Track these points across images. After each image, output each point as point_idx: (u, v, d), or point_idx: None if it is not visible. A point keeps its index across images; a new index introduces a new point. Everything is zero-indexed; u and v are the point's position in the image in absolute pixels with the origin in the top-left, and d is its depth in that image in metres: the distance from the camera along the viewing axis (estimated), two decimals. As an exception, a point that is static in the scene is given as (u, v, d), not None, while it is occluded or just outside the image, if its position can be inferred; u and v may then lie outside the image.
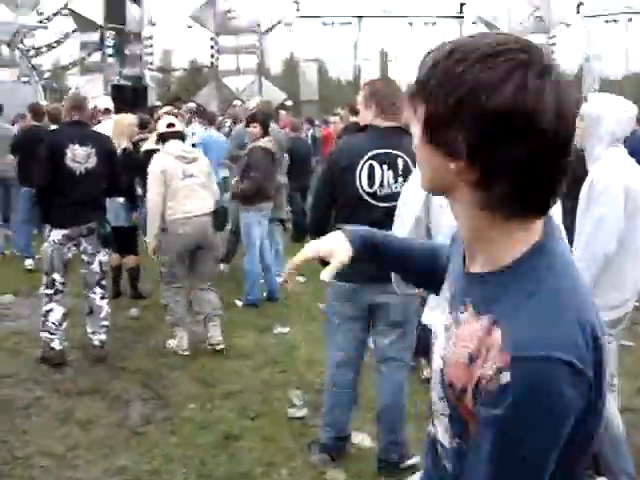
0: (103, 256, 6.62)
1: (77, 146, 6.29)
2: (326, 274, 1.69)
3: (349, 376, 4.58)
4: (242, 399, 5.71)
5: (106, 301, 6.66)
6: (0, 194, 11.31)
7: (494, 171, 1.20)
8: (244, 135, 9.02)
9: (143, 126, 9.52)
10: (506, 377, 1.15)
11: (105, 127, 10.47)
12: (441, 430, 1.45)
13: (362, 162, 4.20)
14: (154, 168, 6.60)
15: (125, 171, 7.61)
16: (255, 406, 5.58)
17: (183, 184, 6.57)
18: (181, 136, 6.97)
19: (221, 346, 6.80)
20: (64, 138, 6.35)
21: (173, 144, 6.71)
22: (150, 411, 5.53)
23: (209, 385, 6.00)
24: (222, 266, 9.64)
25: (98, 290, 6.57)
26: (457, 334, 1.35)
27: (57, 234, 6.30)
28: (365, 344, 4.60)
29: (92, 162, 6.34)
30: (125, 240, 8.33)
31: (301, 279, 7.20)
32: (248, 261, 8.30)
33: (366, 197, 4.20)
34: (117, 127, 8.49)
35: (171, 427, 5.24)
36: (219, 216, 7.16)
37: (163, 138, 6.83)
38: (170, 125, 6.88)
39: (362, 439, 4.95)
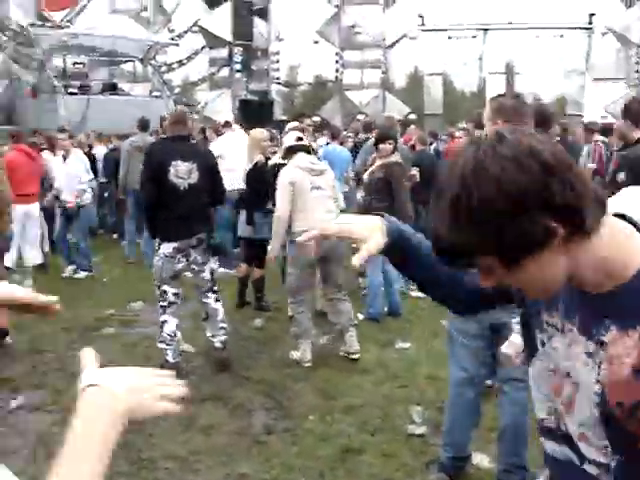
0: (214, 264, 6.72)
1: (180, 162, 6.36)
2: (357, 260, 1.63)
3: (470, 395, 4.49)
4: (362, 413, 5.69)
5: (220, 303, 6.76)
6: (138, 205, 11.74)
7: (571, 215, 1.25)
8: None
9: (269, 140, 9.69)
10: None
11: (226, 140, 10.77)
12: (590, 449, 1.44)
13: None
14: (283, 180, 6.66)
15: (256, 185, 7.72)
16: (375, 421, 5.55)
17: (312, 196, 6.61)
18: (308, 149, 7.01)
19: (357, 355, 6.88)
20: (167, 155, 6.42)
21: (301, 157, 6.76)
22: (272, 421, 5.59)
23: (330, 398, 6.01)
24: (361, 280, 9.46)
25: (211, 295, 6.67)
26: (609, 355, 1.34)
27: (167, 247, 6.40)
28: (488, 363, 4.50)
29: (194, 177, 6.40)
30: (253, 251, 8.50)
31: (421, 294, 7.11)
32: (371, 273, 8.27)
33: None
34: (251, 141, 8.65)
35: (292, 438, 5.28)
36: None
37: (291, 151, 6.89)
38: (298, 139, 6.95)
39: (482, 460, 4.84)
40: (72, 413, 1.10)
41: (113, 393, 1.13)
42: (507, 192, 1.20)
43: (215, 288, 6.75)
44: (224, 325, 6.75)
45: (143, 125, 11.64)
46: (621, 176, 5.13)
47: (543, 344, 1.50)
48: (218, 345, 6.71)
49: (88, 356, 1.22)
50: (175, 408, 1.21)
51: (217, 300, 6.74)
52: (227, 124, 11.34)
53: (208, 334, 6.77)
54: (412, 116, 31.44)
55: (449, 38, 33.32)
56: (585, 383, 1.41)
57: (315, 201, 6.62)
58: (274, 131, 10.93)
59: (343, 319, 6.91)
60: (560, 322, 1.45)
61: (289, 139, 7.03)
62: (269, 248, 6.92)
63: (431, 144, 14.41)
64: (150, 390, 1.19)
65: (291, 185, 6.60)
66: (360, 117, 24.34)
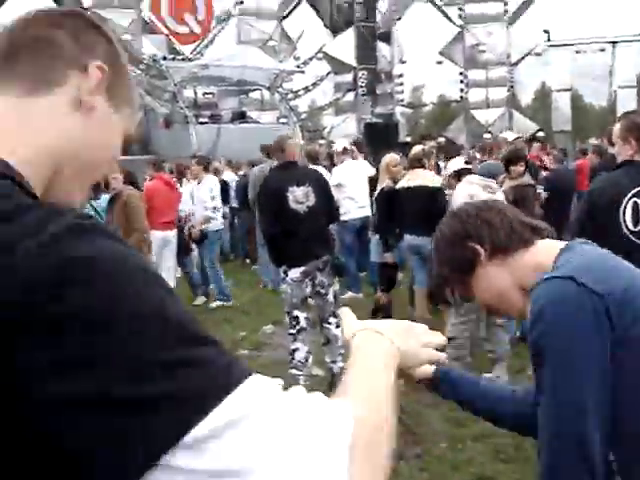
0: (335, 286, 6.76)
1: (295, 187, 6.42)
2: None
3: None
4: (494, 441, 5.58)
5: (340, 329, 6.75)
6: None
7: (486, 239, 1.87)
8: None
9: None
10: None
11: (346, 167, 10.77)
12: None
13: (625, 200, 4.00)
14: (461, 193, 6.44)
15: (387, 209, 7.71)
16: (508, 449, 5.43)
17: None
18: (472, 173, 6.89)
19: None
20: (282, 182, 6.50)
21: (472, 177, 6.64)
22: (402, 447, 5.57)
23: (461, 425, 5.93)
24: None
25: (333, 320, 6.66)
26: None
27: (294, 272, 6.43)
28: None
29: (312, 200, 6.44)
30: (384, 277, 8.54)
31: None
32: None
33: (631, 237, 4.00)
34: (383, 166, 8.67)
35: (422, 464, 5.24)
36: None
37: (458, 175, 6.77)
38: (466, 163, 6.87)
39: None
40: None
41: (385, 335, 1.09)
42: (444, 233, 1.90)
43: (337, 312, 6.79)
44: (343, 351, 6.76)
45: (268, 152, 11.89)
46: None
47: None
48: (337, 371, 6.70)
49: (347, 312, 1.28)
50: (439, 355, 1.20)
51: (338, 326, 6.76)
52: (345, 151, 11.36)
53: (327, 359, 6.79)
54: (540, 133, 30.82)
55: (577, 52, 32.52)
56: None
57: None
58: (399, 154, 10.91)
59: (500, 349, 6.74)
60: None
61: (456, 164, 6.91)
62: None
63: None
64: (415, 337, 1.20)
65: (470, 198, 6.17)
66: (487, 136, 24.06)
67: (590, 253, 1.76)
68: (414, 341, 1.22)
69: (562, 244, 1.80)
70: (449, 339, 6.55)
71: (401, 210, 6.87)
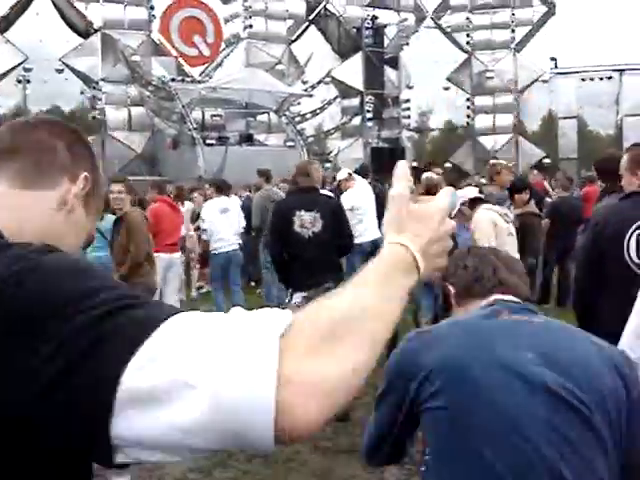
0: None
1: (303, 212, 6.46)
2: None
3: None
4: None
5: None
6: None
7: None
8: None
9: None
10: None
11: (356, 191, 10.79)
12: None
13: (630, 231, 4.01)
14: (485, 218, 6.32)
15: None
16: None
17: (509, 240, 6.34)
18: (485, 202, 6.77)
19: None
20: (290, 206, 6.59)
21: (489, 205, 6.50)
22: (404, 476, 5.54)
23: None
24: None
25: None
26: None
27: (297, 297, 6.45)
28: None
29: (318, 226, 6.46)
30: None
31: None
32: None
33: (635, 268, 3.99)
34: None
35: None
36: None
37: (475, 203, 6.57)
38: (480, 192, 6.78)
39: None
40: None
41: (402, 243, 1.08)
42: None
43: None
44: None
45: (266, 176, 11.92)
46: None
47: None
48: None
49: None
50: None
51: None
52: (350, 177, 11.38)
53: None
54: (546, 160, 30.88)
55: (583, 80, 32.60)
56: None
57: (511, 247, 6.26)
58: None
59: None
60: None
61: (472, 192, 6.82)
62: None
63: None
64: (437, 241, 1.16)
65: (493, 225, 6.26)
66: (493, 162, 24.09)
67: (462, 324, 2.01)
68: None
69: (487, 306, 2.02)
70: None
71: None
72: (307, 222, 6.49)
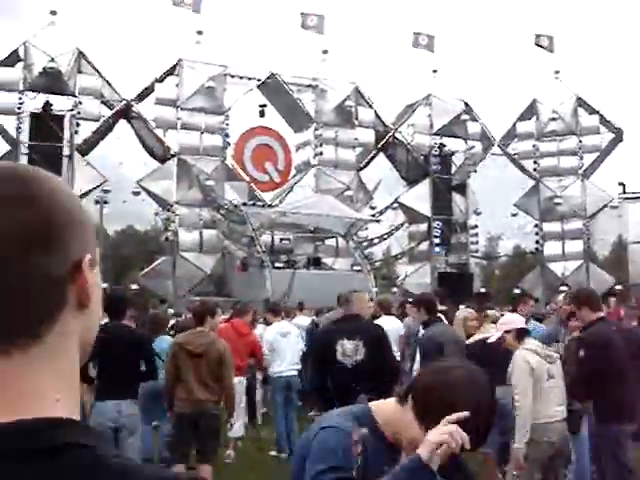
0: None
1: (345, 340, 6.47)
2: None
3: None
4: None
5: None
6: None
7: None
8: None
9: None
10: None
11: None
12: None
13: None
14: (523, 365, 6.03)
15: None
16: None
17: (547, 385, 6.02)
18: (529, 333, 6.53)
19: None
20: (333, 334, 6.64)
21: (532, 341, 6.27)
22: None
23: None
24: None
25: None
26: None
27: None
28: None
29: (360, 354, 6.46)
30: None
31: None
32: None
33: None
34: (457, 321, 8.64)
35: None
36: (572, 420, 6.35)
37: (521, 334, 6.31)
38: (526, 322, 6.56)
39: None
40: None
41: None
42: None
43: None
44: None
45: (340, 301, 11.88)
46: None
47: None
48: None
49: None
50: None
51: None
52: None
53: None
54: (618, 287, 30.28)
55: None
56: None
57: (549, 391, 6.02)
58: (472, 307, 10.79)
59: None
60: None
61: (518, 322, 6.47)
62: (514, 445, 6.02)
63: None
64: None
65: (532, 371, 5.99)
66: (563, 289, 23.80)
67: None
68: None
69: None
70: None
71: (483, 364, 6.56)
72: (349, 350, 6.48)
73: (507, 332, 6.28)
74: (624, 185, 33.15)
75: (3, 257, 0.86)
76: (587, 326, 6.62)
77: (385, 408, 2.33)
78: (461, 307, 10.99)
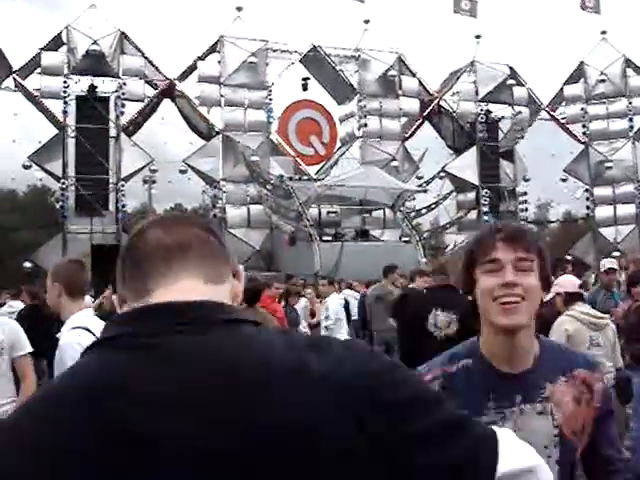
0: None
1: (439, 311, 6.20)
2: None
3: None
4: None
5: None
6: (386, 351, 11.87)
7: None
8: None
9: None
10: None
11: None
12: None
13: None
14: (559, 331, 5.88)
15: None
16: None
17: (590, 353, 5.59)
18: (583, 297, 6.34)
19: None
20: (428, 303, 6.32)
21: (581, 307, 6.07)
22: None
23: None
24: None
25: None
26: (555, 401, 1.94)
27: None
28: None
29: (453, 328, 6.15)
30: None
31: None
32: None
33: None
34: None
35: None
36: (621, 387, 6.13)
37: (572, 299, 6.10)
38: (580, 287, 6.27)
39: None
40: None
41: None
42: None
43: None
44: None
45: (384, 272, 11.68)
46: None
47: None
48: None
49: None
50: None
51: None
52: None
53: None
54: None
55: None
56: (541, 437, 1.89)
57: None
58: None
59: None
60: (499, 414, 1.95)
61: (570, 284, 6.23)
62: None
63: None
64: None
65: (568, 338, 5.84)
66: (616, 254, 23.39)
67: None
68: None
69: None
70: None
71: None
72: (441, 322, 6.21)
73: (558, 295, 6.13)
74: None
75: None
76: None
77: None
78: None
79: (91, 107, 26.96)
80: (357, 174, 25.98)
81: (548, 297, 6.35)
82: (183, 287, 1.19)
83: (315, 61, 30.68)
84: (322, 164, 31.45)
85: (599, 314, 6.29)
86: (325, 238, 24.79)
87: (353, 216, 28.56)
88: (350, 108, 31.83)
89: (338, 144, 32.08)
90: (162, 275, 1.20)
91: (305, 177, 28.46)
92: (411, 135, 32.08)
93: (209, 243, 1.26)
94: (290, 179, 26.54)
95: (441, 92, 32.52)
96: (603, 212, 33.62)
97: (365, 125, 30.76)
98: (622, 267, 10.98)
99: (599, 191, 33.71)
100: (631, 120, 33.72)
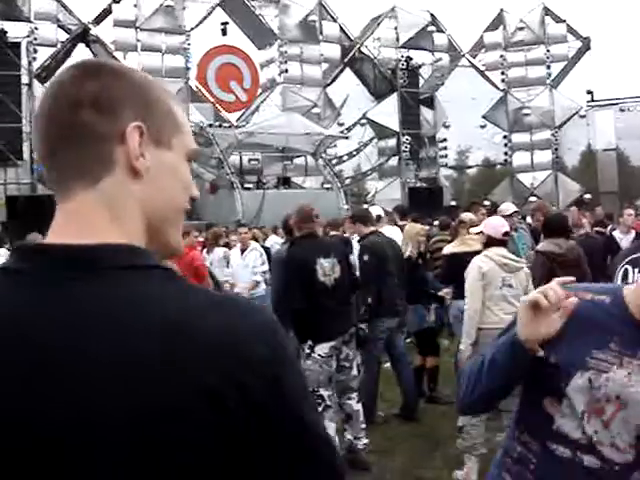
0: (358, 359, 6.67)
1: (322, 259, 6.21)
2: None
3: None
4: None
5: (361, 404, 6.54)
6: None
7: None
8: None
9: (443, 228, 9.66)
10: None
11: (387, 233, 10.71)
12: (617, 454, 1.89)
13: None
14: (474, 270, 6.16)
15: (410, 277, 7.78)
16: None
17: (499, 293, 6.09)
18: (505, 243, 6.51)
19: None
20: (309, 253, 6.28)
21: (496, 250, 6.23)
22: None
23: None
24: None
25: (354, 394, 6.45)
26: None
27: (323, 348, 6.11)
28: None
29: (337, 272, 6.24)
30: (425, 341, 8.53)
31: None
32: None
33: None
34: (406, 235, 8.72)
35: None
36: None
37: (491, 243, 6.31)
38: (505, 234, 6.38)
39: None
40: None
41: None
42: None
43: (358, 386, 6.59)
44: (364, 426, 6.51)
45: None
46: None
47: (590, 381, 1.89)
48: (361, 447, 6.43)
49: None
50: None
51: (358, 401, 6.50)
52: (379, 219, 11.15)
53: (349, 436, 6.43)
54: (587, 196, 30.52)
55: (621, 111, 32.27)
56: (636, 401, 1.85)
57: (500, 299, 6.07)
58: (447, 219, 10.65)
59: None
60: (617, 358, 1.87)
61: (494, 230, 6.36)
62: (460, 346, 6.28)
63: (606, 226, 13.63)
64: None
65: (482, 278, 6.09)
66: (532, 199, 23.92)
67: None
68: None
69: None
70: (459, 428, 6.11)
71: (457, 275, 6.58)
72: (328, 269, 6.24)
73: (482, 233, 6.34)
74: (592, 93, 33.12)
75: (59, 111, 1.04)
76: None
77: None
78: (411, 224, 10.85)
79: (1, 53, 25.84)
80: (278, 121, 25.78)
81: (475, 230, 6.51)
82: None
83: (234, 5, 30.02)
84: (243, 111, 31.02)
85: (514, 257, 6.48)
86: (247, 186, 24.66)
87: (275, 163, 28.39)
88: (271, 54, 31.38)
89: (259, 90, 31.68)
90: None
91: (226, 124, 28.05)
92: (332, 81, 31.87)
93: (80, 128, 1.05)
94: (210, 126, 26.12)
95: (362, 38, 32.32)
96: (521, 158, 34.27)
97: (286, 71, 30.40)
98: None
99: (517, 137, 34.29)
100: (549, 67, 34.23)
